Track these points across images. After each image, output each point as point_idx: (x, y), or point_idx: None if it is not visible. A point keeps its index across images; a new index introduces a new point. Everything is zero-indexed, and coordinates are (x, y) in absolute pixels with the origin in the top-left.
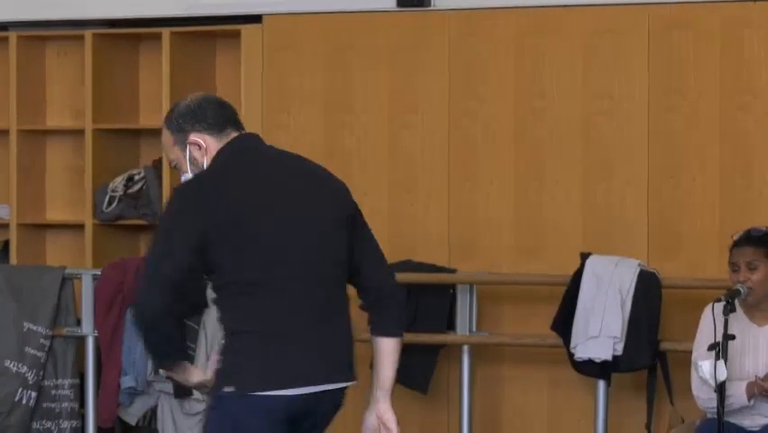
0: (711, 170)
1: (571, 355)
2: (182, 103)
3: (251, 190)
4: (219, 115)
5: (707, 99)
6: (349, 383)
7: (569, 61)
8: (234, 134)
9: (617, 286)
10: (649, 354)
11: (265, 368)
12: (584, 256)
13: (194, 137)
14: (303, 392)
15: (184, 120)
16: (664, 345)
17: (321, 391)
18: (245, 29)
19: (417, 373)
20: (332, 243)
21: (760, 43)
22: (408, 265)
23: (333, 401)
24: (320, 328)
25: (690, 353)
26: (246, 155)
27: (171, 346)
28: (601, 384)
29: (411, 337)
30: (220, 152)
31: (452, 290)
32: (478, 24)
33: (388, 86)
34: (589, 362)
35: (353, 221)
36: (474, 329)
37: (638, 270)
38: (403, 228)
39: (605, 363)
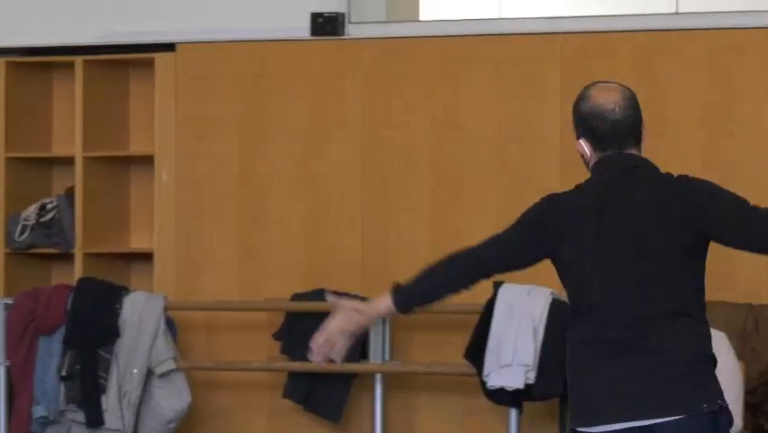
0: None
1: (483, 384)
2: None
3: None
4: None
5: None
6: None
7: (483, 89)
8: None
9: (529, 314)
10: (561, 382)
11: None
12: (497, 285)
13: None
14: None
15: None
16: None
17: None
18: (159, 57)
19: (330, 402)
20: None
21: (675, 72)
22: (321, 294)
23: None
24: None
25: None
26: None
27: None
28: (513, 413)
29: (323, 367)
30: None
31: None
32: (393, 53)
33: (303, 114)
34: (502, 390)
35: None
36: (387, 358)
37: (550, 298)
38: (317, 256)
39: (517, 391)
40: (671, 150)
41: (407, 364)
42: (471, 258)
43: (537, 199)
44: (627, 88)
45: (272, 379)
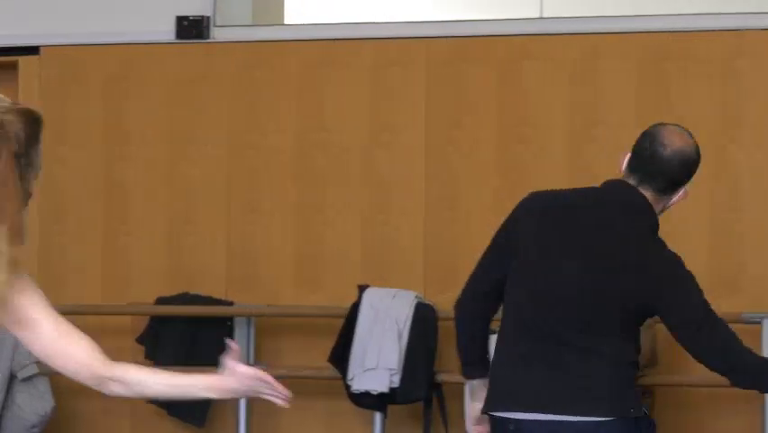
0: (486, 201)
1: (348, 387)
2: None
3: None
4: None
5: (485, 132)
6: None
7: (349, 93)
8: None
9: (394, 318)
10: (425, 386)
11: None
12: (362, 288)
13: None
14: None
15: None
16: (441, 377)
17: None
18: (23, 60)
19: (194, 406)
20: None
21: (540, 77)
22: (185, 298)
23: None
24: None
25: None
26: None
27: None
28: (378, 416)
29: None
30: None
31: (229, 323)
32: (259, 57)
33: (167, 117)
34: (366, 394)
35: None
36: (252, 362)
37: (415, 302)
38: (181, 260)
39: (382, 394)
40: (535, 154)
41: (273, 368)
42: None
43: (399, 204)
44: (693, 146)
45: None
